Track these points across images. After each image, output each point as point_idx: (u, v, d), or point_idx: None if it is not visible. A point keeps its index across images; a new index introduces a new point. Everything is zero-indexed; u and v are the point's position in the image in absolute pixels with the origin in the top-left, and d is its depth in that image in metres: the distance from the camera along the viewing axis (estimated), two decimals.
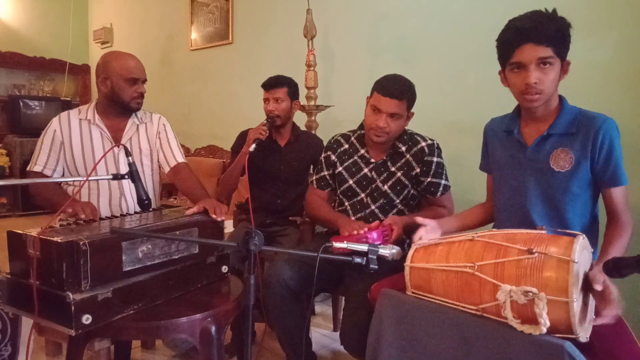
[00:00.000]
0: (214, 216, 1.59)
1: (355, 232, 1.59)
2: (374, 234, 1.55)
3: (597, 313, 1.12)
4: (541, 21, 1.31)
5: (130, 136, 1.99)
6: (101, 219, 1.58)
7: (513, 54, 1.35)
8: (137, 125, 2.01)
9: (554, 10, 1.34)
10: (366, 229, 1.61)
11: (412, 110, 1.83)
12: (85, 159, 1.92)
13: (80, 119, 1.95)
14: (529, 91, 1.34)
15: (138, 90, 1.92)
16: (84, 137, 1.93)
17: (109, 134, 1.95)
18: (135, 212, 1.72)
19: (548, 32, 1.30)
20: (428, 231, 1.44)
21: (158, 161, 2.06)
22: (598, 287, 1.07)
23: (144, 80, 1.96)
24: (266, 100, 2.35)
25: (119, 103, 1.91)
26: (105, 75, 1.90)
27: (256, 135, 2.19)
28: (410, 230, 1.79)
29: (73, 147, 1.92)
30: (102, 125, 1.95)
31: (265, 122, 2.29)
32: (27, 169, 1.93)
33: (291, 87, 2.36)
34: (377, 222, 1.70)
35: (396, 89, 1.74)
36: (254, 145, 2.16)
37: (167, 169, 2.04)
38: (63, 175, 1.94)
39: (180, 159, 2.04)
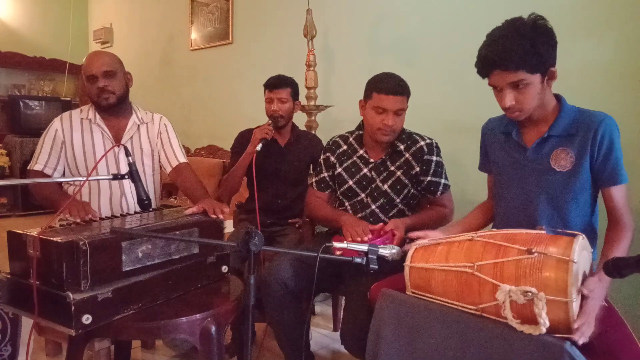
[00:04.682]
0: (213, 216, 1.59)
1: (359, 239, 1.60)
2: (375, 242, 1.56)
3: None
4: (506, 48, 1.27)
5: (131, 136, 1.99)
6: (101, 218, 1.58)
7: (488, 79, 1.37)
8: (138, 125, 2.01)
9: (524, 26, 1.28)
10: (367, 237, 1.62)
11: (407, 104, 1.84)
12: (87, 159, 1.92)
13: (82, 118, 1.95)
14: (508, 110, 1.38)
15: (97, 86, 1.86)
16: (85, 136, 1.94)
17: (109, 133, 1.95)
18: (136, 212, 1.72)
19: (514, 58, 1.27)
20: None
21: (159, 161, 2.06)
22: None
23: (106, 72, 1.85)
24: (269, 100, 2.33)
25: (93, 102, 1.93)
26: (82, 79, 1.94)
27: (262, 135, 2.19)
28: (411, 231, 1.80)
29: (74, 147, 1.92)
30: (103, 125, 1.95)
31: (269, 122, 2.29)
32: (28, 167, 1.93)
33: (294, 87, 2.36)
34: (380, 224, 1.70)
35: (396, 86, 1.75)
36: (260, 145, 2.16)
37: (168, 169, 2.04)
38: (64, 175, 1.94)
39: (182, 159, 2.04)
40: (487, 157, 1.63)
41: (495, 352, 1.09)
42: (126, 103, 1.98)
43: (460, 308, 1.17)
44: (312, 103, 2.92)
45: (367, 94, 1.81)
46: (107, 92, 1.87)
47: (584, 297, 1.11)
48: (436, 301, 1.22)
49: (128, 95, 1.98)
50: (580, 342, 1.03)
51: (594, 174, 1.37)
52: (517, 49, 1.26)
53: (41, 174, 1.90)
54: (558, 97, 1.43)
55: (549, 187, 1.41)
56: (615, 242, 1.31)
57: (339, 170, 1.95)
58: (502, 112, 1.60)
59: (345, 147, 1.97)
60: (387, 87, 1.74)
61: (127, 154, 1.50)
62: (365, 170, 1.89)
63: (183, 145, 2.13)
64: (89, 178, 1.52)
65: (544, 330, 1.01)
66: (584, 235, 1.13)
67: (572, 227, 1.37)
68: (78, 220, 1.55)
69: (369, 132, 1.84)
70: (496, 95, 1.40)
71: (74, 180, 1.93)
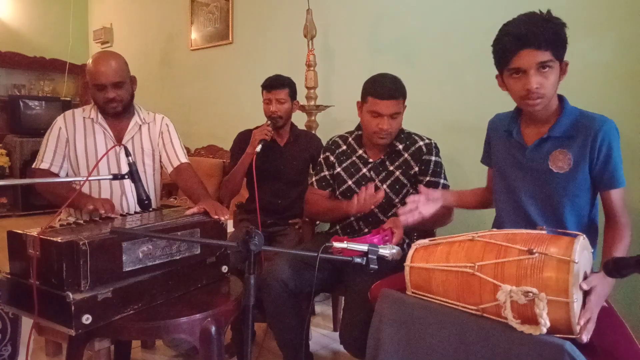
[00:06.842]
0: (215, 217, 1.59)
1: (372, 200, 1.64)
2: (374, 240, 1.56)
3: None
4: (538, 25, 1.28)
5: (133, 136, 1.99)
6: (101, 218, 1.58)
7: (511, 60, 1.32)
8: (140, 125, 2.01)
9: (549, 12, 1.31)
10: (366, 230, 1.62)
11: (405, 104, 1.83)
12: (88, 158, 1.93)
13: (84, 117, 1.95)
14: (530, 96, 1.33)
15: (105, 96, 1.85)
16: (88, 135, 1.94)
17: (111, 133, 1.95)
18: (136, 212, 1.72)
19: (546, 36, 1.27)
20: (427, 201, 1.49)
21: (161, 161, 2.06)
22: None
23: (116, 84, 1.85)
24: (268, 101, 2.32)
25: (99, 108, 1.92)
26: (87, 80, 1.92)
27: (262, 136, 2.19)
28: (410, 230, 1.80)
29: (77, 145, 1.92)
30: (105, 125, 1.95)
31: (268, 123, 2.29)
32: (33, 166, 1.93)
33: (292, 87, 2.36)
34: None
35: (392, 90, 1.74)
36: (260, 146, 2.16)
37: (170, 169, 2.04)
38: (66, 174, 1.94)
39: (184, 159, 2.04)
40: (489, 152, 1.63)
41: (495, 352, 1.09)
42: (130, 105, 1.99)
43: (461, 308, 1.17)
44: (312, 103, 2.92)
45: (363, 97, 1.80)
46: (115, 101, 1.88)
47: (587, 294, 1.11)
48: (436, 301, 1.22)
49: (133, 99, 1.99)
50: (585, 339, 1.05)
51: (592, 177, 1.37)
52: (548, 29, 1.28)
53: (48, 172, 1.90)
54: (561, 98, 1.43)
55: (546, 188, 1.41)
56: (617, 241, 1.31)
57: (338, 170, 1.95)
58: (501, 111, 1.61)
59: (344, 147, 1.97)
60: (381, 91, 1.73)
61: (127, 154, 1.50)
62: (364, 170, 1.89)
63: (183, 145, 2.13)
64: (89, 178, 1.53)
65: (544, 330, 1.01)
66: (584, 236, 1.13)
67: (568, 227, 1.37)
68: (102, 212, 1.59)
69: (366, 135, 1.84)
70: (515, 83, 1.35)
71: (74, 180, 1.93)
